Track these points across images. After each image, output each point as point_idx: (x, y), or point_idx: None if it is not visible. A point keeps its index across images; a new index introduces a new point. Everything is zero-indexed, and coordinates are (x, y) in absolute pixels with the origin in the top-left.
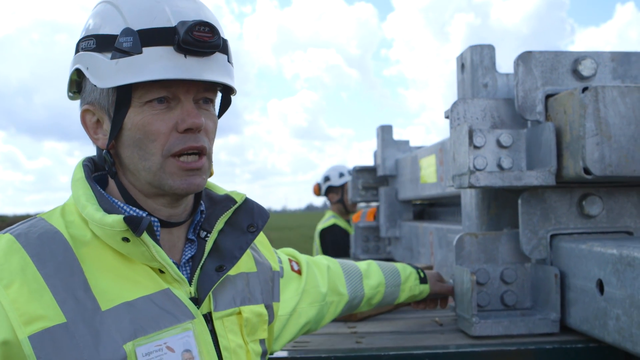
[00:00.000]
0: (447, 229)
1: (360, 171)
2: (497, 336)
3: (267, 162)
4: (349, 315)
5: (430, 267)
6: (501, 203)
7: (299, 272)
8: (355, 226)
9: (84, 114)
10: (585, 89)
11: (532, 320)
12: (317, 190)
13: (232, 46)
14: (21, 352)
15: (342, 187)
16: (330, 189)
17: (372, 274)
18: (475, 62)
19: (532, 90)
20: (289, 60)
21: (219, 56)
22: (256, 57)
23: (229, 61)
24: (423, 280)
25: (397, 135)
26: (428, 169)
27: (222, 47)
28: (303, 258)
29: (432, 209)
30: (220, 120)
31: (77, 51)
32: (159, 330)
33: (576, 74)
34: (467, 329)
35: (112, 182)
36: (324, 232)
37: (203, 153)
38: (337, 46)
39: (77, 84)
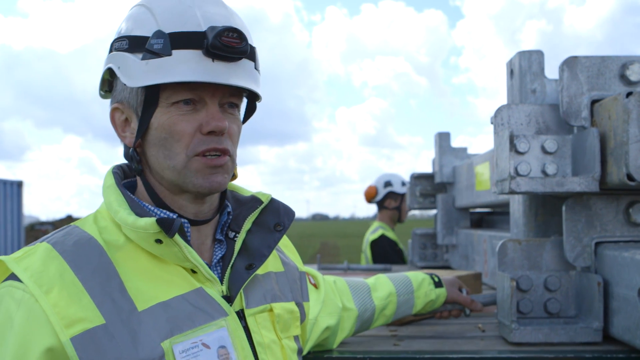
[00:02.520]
0: (500, 236)
1: (418, 178)
2: (538, 344)
3: (336, 170)
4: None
5: (479, 274)
6: (549, 210)
7: (316, 286)
8: (412, 233)
9: (113, 112)
10: (629, 94)
11: (573, 329)
12: (374, 194)
13: (301, 54)
14: (65, 356)
15: (402, 196)
16: (390, 195)
17: (380, 286)
18: (524, 68)
19: (577, 96)
20: (357, 68)
21: (246, 62)
22: (325, 66)
23: (256, 68)
24: (438, 285)
25: (467, 144)
26: (482, 176)
27: (249, 53)
28: (319, 274)
29: (489, 217)
30: (288, 127)
31: (110, 51)
32: (194, 328)
33: (624, 78)
34: (507, 336)
35: (140, 185)
36: (374, 245)
37: (226, 154)
38: (405, 54)
39: (109, 83)
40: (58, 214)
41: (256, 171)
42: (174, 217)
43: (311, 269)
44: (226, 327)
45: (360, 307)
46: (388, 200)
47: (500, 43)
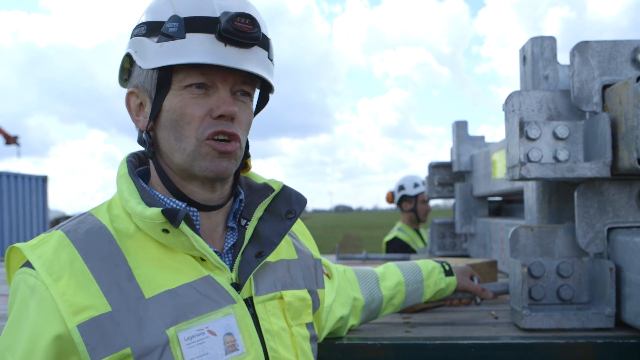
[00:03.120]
0: (516, 224)
1: (436, 167)
2: (550, 329)
3: (359, 161)
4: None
5: (494, 262)
6: (562, 197)
7: (329, 275)
8: (431, 222)
9: (128, 96)
10: (639, 78)
11: (585, 315)
12: (390, 198)
13: (322, 46)
14: (72, 342)
15: (416, 197)
16: (403, 198)
17: (389, 275)
18: (536, 54)
19: (588, 81)
20: (378, 59)
21: (258, 50)
22: (346, 57)
23: (269, 58)
24: (449, 273)
25: (489, 134)
26: (498, 164)
27: (261, 41)
28: (331, 264)
29: (508, 205)
30: (310, 119)
31: (131, 38)
32: (200, 316)
33: (636, 63)
34: (518, 322)
35: (153, 171)
36: (387, 245)
37: (235, 140)
38: (427, 44)
39: (129, 71)
40: (83, 208)
41: (279, 163)
42: (183, 206)
43: (324, 259)
44: (233, 315)
45: (368, 297)
46: (404, 203)
47: (522, 31)
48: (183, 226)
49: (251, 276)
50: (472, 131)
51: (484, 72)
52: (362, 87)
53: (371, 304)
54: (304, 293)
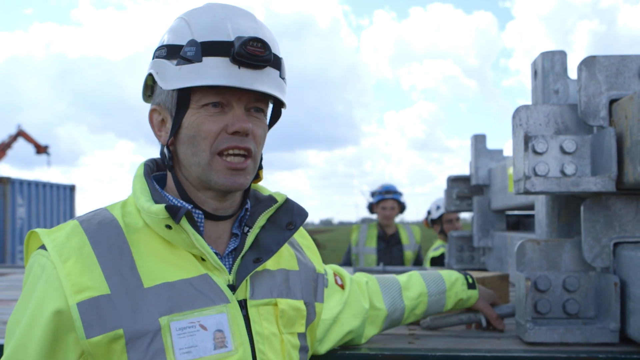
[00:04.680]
0: (527, 238)
1: (454, 180)
2: (553, 344)
3: (385, 174)
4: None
5: (506, 276)
6: (571, 211)
7: (342, 286)
8: (449, 235)
9: (151, 113)
10: None
11: (590, 329)
12: (426, 224)
13: (349, 59)
14: (70, 319)
15: (441, 219)
16: (433, 222)
17: (412, 285)
18: (547, 69)
19: (595, 96)
20: (405, 72)
21: (270, 70)
22: (373, 69)
23: (281, 77)
24: (471, 286)
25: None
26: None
27: (273, 62)
28: (347, 275)
29: (526, 219)
30: (337, 132)
31: (153, 59)
32: (193, 309)
33: None
34: (522, 335)
35: (169, 179)
36: (434, 261)
37: (249, 155)
38: (454, 57)
39: (151, 88)
40: None
41: (305, 175)
42: (188, 206)
43: (340, 269)
44: (226, 313)
45: (390, 307)
46: (435, 226)
47: (551, 44)
48: (185, 224)
49: (247, 280)
50: (499, 144)
51: (512, 86)
52: (389, 99)
53: (393, 313)
54: (299, 304)
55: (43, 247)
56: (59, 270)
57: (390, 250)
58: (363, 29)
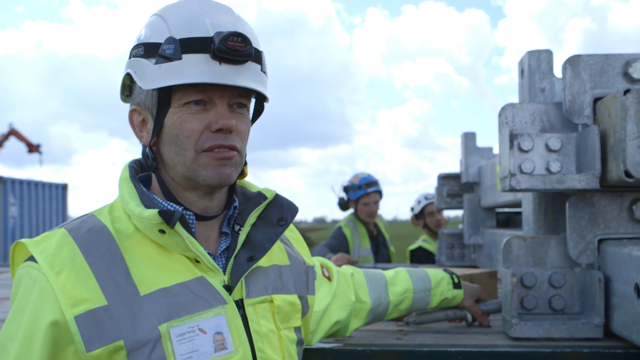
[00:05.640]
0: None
1: (445, 178)
2: (539, 339)
3: (378, 172)
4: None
5: (494, 272)
6: (558, 208)
7: (329, 278)
8: (440, 233)
9: (131, 113)
10: (627, 91)
11: (574, 324)
12: (412, 223)
13: (342, 57)
14: (68, 332)
15: (423, 213)
16: (417, 217)
17: (398, 280)
18: (533, 67)
19: (580, 94)
20: (398, 70)
21: (251, 65)
22: (366, 68)
23: (262, 71)
24: (457, 286)
25: None
26: None
27: (254, 56)
28: (334, 267)
29: (516, 216)
30: (330, 130)
31: (130, 58)
32: (192, 314)
33: (627, 76)
34: (508, 330)
35: (154, 180)
36: (411, 253)
37: (233, 150)
38: (447, 55)
39: (129, 88)
40: None
41: (298, 173)
42: (180, 209)
43: (326, 261)
44: (224, 315)
45: (375, 300)
46: (419, 221)
47: (543, 43)
48: (178, 227)
49: (242, 279)
50: (492, 142)
51: (504, 83)
52: (381, 97)
53: (378, 307)
54: (294, 298)
55: (32, 258)
56: (53, 283)
57: (379, 249)
58: (355, 27)
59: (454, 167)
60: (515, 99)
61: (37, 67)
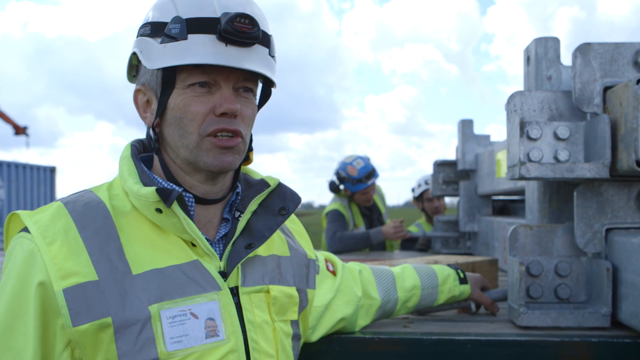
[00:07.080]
0: (518, 223)
1: (441, 165)
2: (546, 328)
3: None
4: None
5: (495, 260)
6: (563, 197)
7: (334, 272)
8: (435, 220)
9: (136, 93)
10: (639, 81)
11: (582, 314)
12: (414, 202)
13: (331, 42)
14: (56, 303)
15: (422, 197)
16: (416, 200)
17: (406, 277)
18: (540, 55)
19: (590, 83)
20: (387, 56)
21: (259, 48)
22: (355, 53)
23: (271, 55)
24: (463, 281)
25: (497, 132)
26: (502, 163)
27: (262, 39)
28: (339, 262)
29: (512, 204)
30: (318, 115)
31: (137, 37)
32: (184, 297)
33: (637, 65)
34: (515, 319)
35: (156, 161)
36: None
37: (237, 135)
38: (435, 41)
39: (136, 68)
40: None
41: (286, 158)
42: (179, 189)
43: (332, 256)
44: (217, 301)
45: (384, 297)
46: (417, 204)
47: (532, 31)
48: (176, 207)
49: (239, 266)
50: (480, 129)
51: (492, 71)
52: (369, 83)
53: (386, 304)
54: (291, 290)
55: (25, 229)
56: (44, 254)
57: (373, 226)
58: (345, 13)
59: (442, 153)
60: (503, 86)
61: (23, 48)
